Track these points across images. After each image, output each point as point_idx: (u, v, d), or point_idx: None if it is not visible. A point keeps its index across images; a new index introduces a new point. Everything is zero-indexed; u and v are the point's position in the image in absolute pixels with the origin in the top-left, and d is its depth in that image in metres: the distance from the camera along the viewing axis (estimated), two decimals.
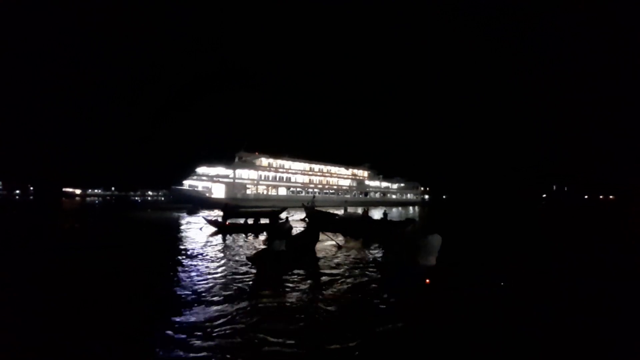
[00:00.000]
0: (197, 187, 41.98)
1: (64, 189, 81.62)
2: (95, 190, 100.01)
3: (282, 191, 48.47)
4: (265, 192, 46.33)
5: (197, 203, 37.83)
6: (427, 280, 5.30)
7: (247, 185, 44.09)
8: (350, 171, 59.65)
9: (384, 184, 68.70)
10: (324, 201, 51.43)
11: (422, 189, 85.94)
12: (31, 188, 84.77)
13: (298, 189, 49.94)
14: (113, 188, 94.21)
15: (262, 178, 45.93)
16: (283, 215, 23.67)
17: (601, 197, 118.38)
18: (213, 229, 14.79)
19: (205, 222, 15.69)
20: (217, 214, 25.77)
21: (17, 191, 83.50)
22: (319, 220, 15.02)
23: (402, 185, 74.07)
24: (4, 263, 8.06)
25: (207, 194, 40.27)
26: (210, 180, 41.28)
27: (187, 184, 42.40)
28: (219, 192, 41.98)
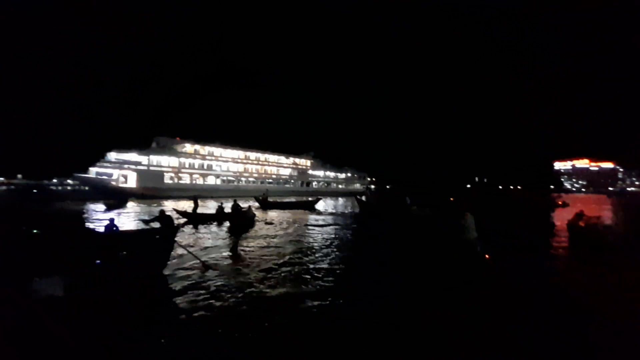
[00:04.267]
0: (111, 175, 36.43)
1: None
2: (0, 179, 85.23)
3: (213, 180, 44.44)
4: (193, 181, 42.02)
5: (104, 193, 32.78)
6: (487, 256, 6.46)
7: (166, 174, 39.36)
8: (291, 160, 57.26)
9: (329, 174, 67.63)
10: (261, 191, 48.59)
11: (369, 179, 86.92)
12: None
13: (230, 178, 46.22)
14: (20, 175, 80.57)
15: (187, 166, 41.43)
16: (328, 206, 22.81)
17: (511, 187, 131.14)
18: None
19: (176, 213, 16.11)
20: (130, 207, 22.81)
21: None
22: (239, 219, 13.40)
23: (350, 175, 73.80)
24: None
25: (114, 183, 35.06)
26: (119, 167, 35.95)
27: (94, 171, 36.61)
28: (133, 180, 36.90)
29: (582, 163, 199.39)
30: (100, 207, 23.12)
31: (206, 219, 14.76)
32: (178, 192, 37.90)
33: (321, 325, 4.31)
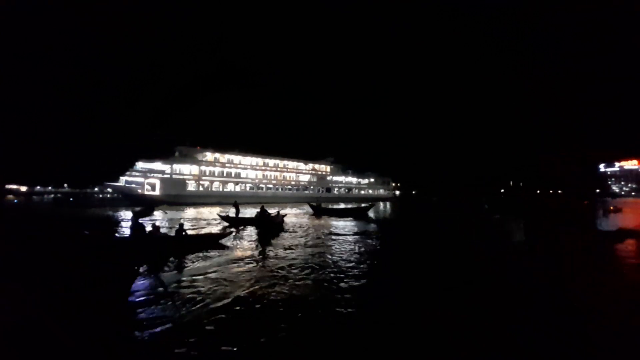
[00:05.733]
0: (140, 183, 38.55)
1: (7, 186, 75.22)
2: (48, 188, 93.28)
3: (232, 187, 45.57)
4: (213, 188, 43.32)
5: (132, 200, 34.71)
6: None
7: (188, 181, 40.89)
8: (310, 166, 57.26)
9: (351, 179, 66.76)
10: (283, 197, 49.12)
11: (393, 184, 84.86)
12: None
13: (249, 185, 47.14)
14: (66, 185, 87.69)
15: (207, 174, 42.81)
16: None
17: (551, 191, 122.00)
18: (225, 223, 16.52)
19: (220, 217, 17.81)
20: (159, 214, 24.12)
21: None
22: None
23: (372, 180, 72.40)
24: None
25: (140, 190, 36.97)
26: (144, 175, 37.89)
27: (123, 179, 38.88)
28: (159, 188, 38.73)
29: (630, 164, 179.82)
30: (129, 214, 24.24)
31: (246, 223, 15.57)
32: (199, 199, 39.28)
33: (321, 325, 4.36)
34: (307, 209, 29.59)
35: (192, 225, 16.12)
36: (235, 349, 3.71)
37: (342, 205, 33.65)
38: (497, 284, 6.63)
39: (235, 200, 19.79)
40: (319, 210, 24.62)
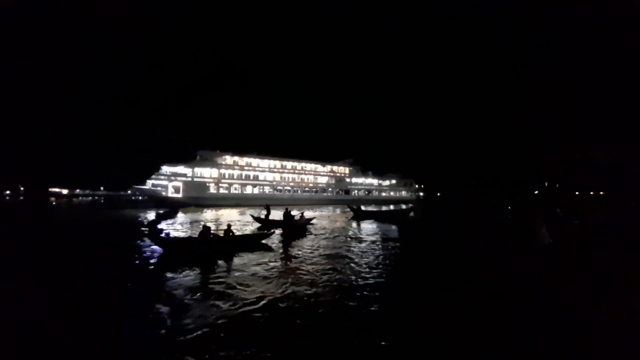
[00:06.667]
0: (166, 186, 40.39)
1: (51, 189, 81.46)
2: (86, 191, 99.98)
3: (251, 189, 46.53)
4: (233, 191, 44.43)
5: (157, 202, 36.39)
6: None
7: (208, 184, 42.20)
8: (328, 168, 57.12)
9: (370, 181, 65.83)
10: (301, 199, 49.48)
11: (416, 186, 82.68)
12: (21, 188, 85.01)
13: (267, 187, 47.89)
14: (102, 188, 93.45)
15: (226, 176, 43.99)
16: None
17: (592, 193, 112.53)
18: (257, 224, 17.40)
19: (252, 218, 18.76)
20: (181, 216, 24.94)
21: (8, 192, 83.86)
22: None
23: (394, 182, 70.95)
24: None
25: (164, 193, 38.63)
26: (168, 179, 39.58)
27: (150, 183, 40.84)
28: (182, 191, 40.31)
29: None
30: (153, 216, 24.79)
31: (275, 225, 15.82)
32: (219, 201, 40.49)
33: (322, 324, 4.44)
34: (327, 211, 29.52)
35: (217, 227, 16.62)
36: (236, 351, 3.75)
37: (362, 208, 33.22)
38: (498, 284, 6.44)
39: (267, 204, 20.22)
40: (359, 213, 24.28)
